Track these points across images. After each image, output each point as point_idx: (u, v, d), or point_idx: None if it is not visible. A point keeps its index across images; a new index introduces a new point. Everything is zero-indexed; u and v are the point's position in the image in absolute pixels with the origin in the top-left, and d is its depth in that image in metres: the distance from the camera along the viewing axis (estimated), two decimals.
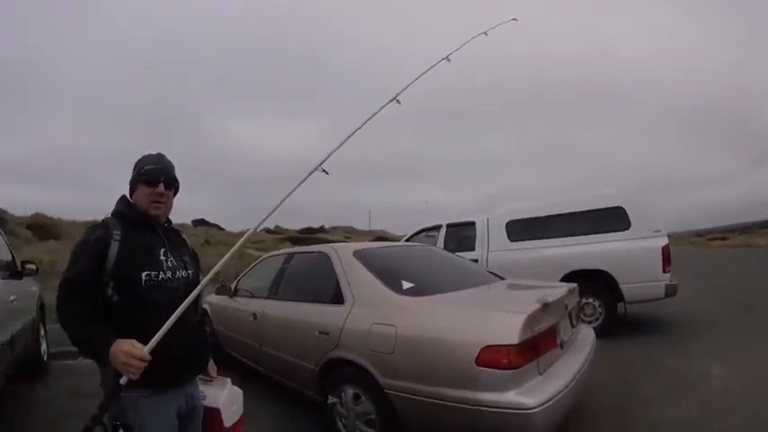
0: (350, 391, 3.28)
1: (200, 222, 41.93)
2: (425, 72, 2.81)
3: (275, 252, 5.47)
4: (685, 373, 4.69)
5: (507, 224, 7.86)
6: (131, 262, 1.83)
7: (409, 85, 2.68)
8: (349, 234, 50.12)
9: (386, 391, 2.97)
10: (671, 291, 6.38)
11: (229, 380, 2.32)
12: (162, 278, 1.89)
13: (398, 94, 2.60)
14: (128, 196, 2.03)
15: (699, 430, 3.42)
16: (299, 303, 4.10)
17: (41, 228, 23.79)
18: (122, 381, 1.63)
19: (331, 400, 3.41)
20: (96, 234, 1.84)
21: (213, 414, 2.11)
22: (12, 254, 5.27)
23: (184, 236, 2.24)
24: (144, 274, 1.83)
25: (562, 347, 3.13)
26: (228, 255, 1.98)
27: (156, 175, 1.96)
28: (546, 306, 2.87)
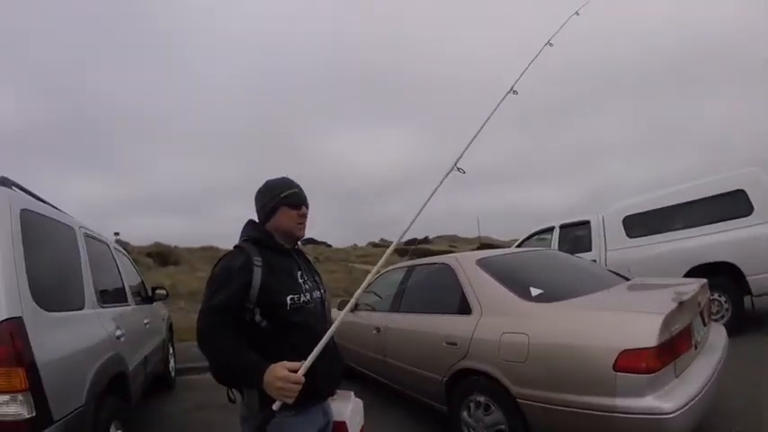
0: (480, 401, 3.27)
1: (308, 241, 43.15)
2: (534, 59, 2.80)
3: (394, 266, 5.52)
4: None
5: (624, 220, 7.60)
6: (276, 287, 1.86)
7: (522, 73, 2.68)
8: (453, 243, 49.93)
9: (518, 400, 2.93)
10: None
11: (352, 392, 2.33)
12: (303, 300, 1.92)
13: (514, 85, 2.60)
14: (255, 221, 2.08)
15: None
16: (424, 315, 4.12)
17: (161, 255, 25.57)
18: (276, 406, 1.66)
19: (464, 412, 3.40)
20: (239, 261, 1.85)
21: (340, 428, 2.13)
22: (143, 281, 5.70)
23: (308, 256, 2.27)
24: (289, 298, 1.86)
25: (696, 348, 2.99)
26: (375, 270, 2.06)
27: (299, 198, 2.04)
28: (681, 305, 2.75)
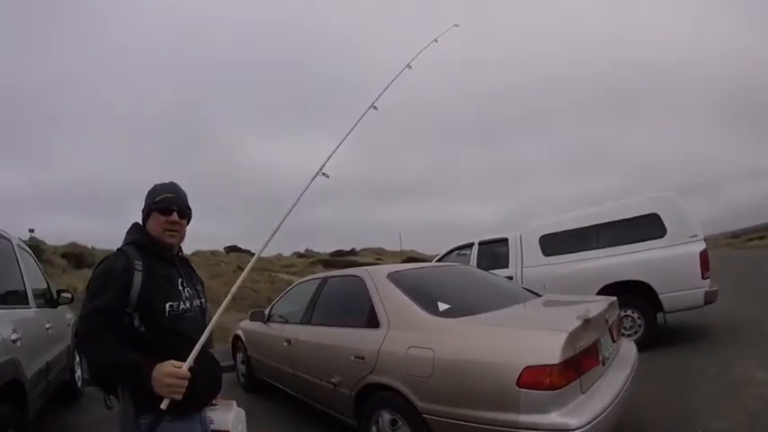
0: (387, 417, 3.21)
1: (232, 249, 42.52)
2: (393, 80, 2.91)
3: (308, 277, 5.45)
4: (730, 381, 4.50)
5: (541, 239, 7.76)
6: (155, 293, 1.82)
7: (382, 92, 2.80)
8: (379, 256, 50.08)
9: (424, 415, 2.89)
10: (711, 297, 6.13)
11: (234, 402, 2.26)
12: (182, 308, 1.89)
13: (374, 102, 2.72)
14: (141, 225, 2.04)
15: None
16: (334, 328, 4.05)
17: (76, 256, 24.25)
18: (164, 405, 1.62)
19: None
20: (120, 264, 1.81)
21: None
22: (47, 283, 5.38)
23: (193, 264, 2.25)
24: (167, 305, 1.83)
25: (604, 364, 3.03)
26: (240, 280, 2.00)
27: (170, 204, 1.98)
28: (587, 322, 2.77)
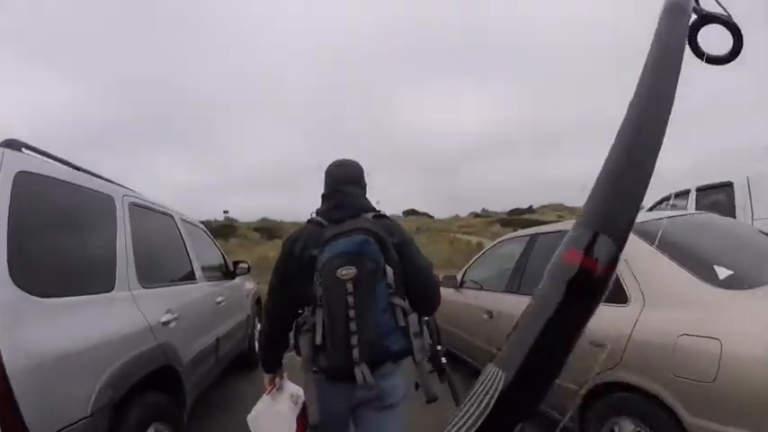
0: (629, 427, 2.33)
1: (410, 212, 43.95)
2: None
3: (510, 235, 4.69)
4: None
5: None
6: None
7: None
8: (560, 212, 48.18)
9: None
10: None
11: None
12: None
13: None
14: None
15: None
16: None
17: (268, 230, 27.87)
18: None
19: None
20: None
21: None
22: (223, 256, 5.66)
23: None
24: None
25: None
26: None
27: None
28: None
